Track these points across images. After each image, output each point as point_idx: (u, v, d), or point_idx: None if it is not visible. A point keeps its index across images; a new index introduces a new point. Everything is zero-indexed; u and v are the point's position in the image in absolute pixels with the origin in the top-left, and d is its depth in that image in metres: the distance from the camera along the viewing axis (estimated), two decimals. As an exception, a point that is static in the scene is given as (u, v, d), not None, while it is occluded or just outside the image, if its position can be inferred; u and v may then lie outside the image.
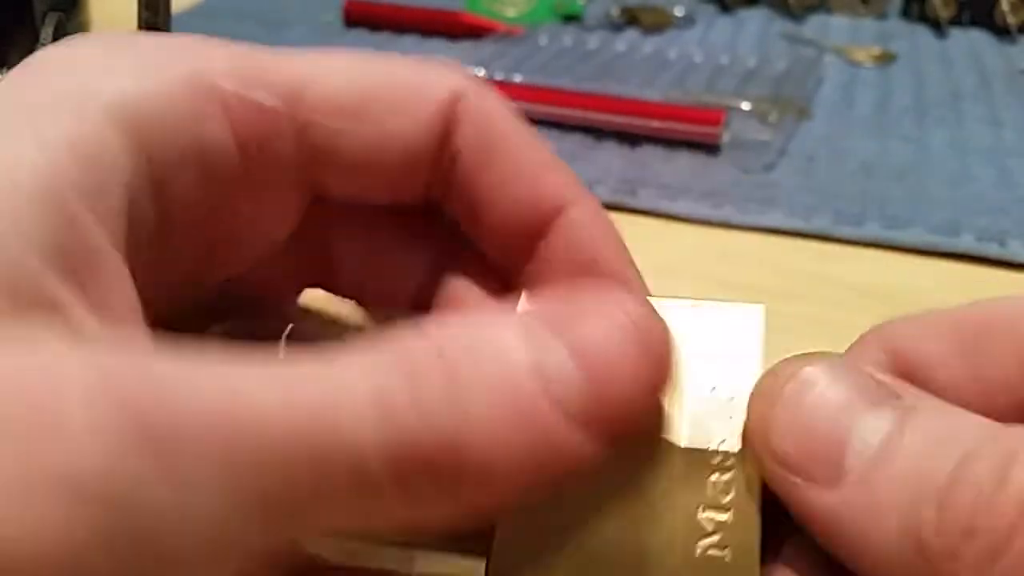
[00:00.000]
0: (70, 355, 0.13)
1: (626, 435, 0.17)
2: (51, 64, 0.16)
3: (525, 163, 0.22)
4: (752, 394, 0.19)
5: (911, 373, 0.19)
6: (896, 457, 0.16)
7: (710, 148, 0.55)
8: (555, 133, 0.56)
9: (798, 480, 0.17)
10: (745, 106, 0.59)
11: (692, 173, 0.53)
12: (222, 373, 0.14)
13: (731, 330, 0.20)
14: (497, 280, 0.24)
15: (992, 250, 0.46)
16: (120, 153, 0.16)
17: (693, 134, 0.55)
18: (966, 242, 0.47)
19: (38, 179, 0.14)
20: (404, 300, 0.24)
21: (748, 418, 0.18)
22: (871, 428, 0.16)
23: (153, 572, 0.13)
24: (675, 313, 0.19)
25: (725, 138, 0.55)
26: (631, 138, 0.56)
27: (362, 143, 0.21)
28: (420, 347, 0.16)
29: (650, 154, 0.55)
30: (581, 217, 0.22)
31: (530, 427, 0.16)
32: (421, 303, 0.24)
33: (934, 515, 0.15)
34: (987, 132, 0.59)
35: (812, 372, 0.17)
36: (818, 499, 0.16)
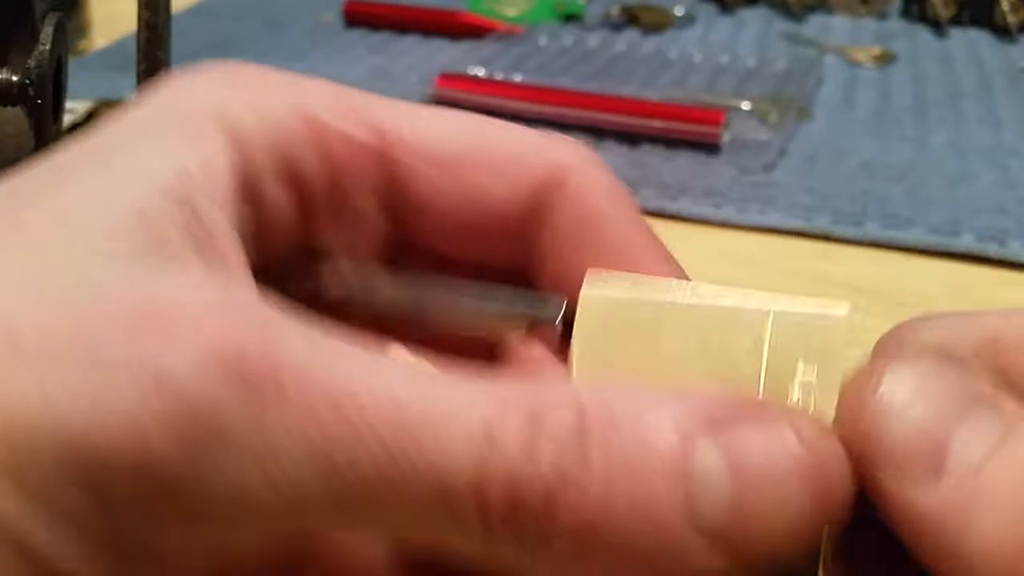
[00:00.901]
0: (199, 287, 0.15)
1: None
2: (181, 85, 0.20)
3: (624, 249, 0.21)
4: (841, 397, 0.17)
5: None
6: (1003, 462, 0.15)
7: (710, 148, 0.55)
8: (555, 133, 0.56)
9: (894, 479, 0.16)
10: (745, 106, 0.59)
11: (692, 173, 0.53)
12: (337, 351, 0.15)
13: (812, 332, 0.18)
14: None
15: (992, 250, 0.46)
16: (224, 159, 0.18)
17: (693, 134, 0.55)
18: (966, 242, 0.47)
19: (167, 176, 0.17)
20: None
21: (839, 417, 0.17)
22: (976, 432, 0.16)
23: (195, 495, 0.14)
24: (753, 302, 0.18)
25: (725, 138, 0.55)
26: (631, 138, 0.56)
27: (452, 196, 0.21)
28: (557, 396, 0.15)
29: (650, 154, 0.55)
30: None
31: (652, 521, 0.14)
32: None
33: None
34: (987, 132, 0.59)
35: (901, 382, 0.16)
36: (914, 499, 0.16)
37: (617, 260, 0.20)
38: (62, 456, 0.14)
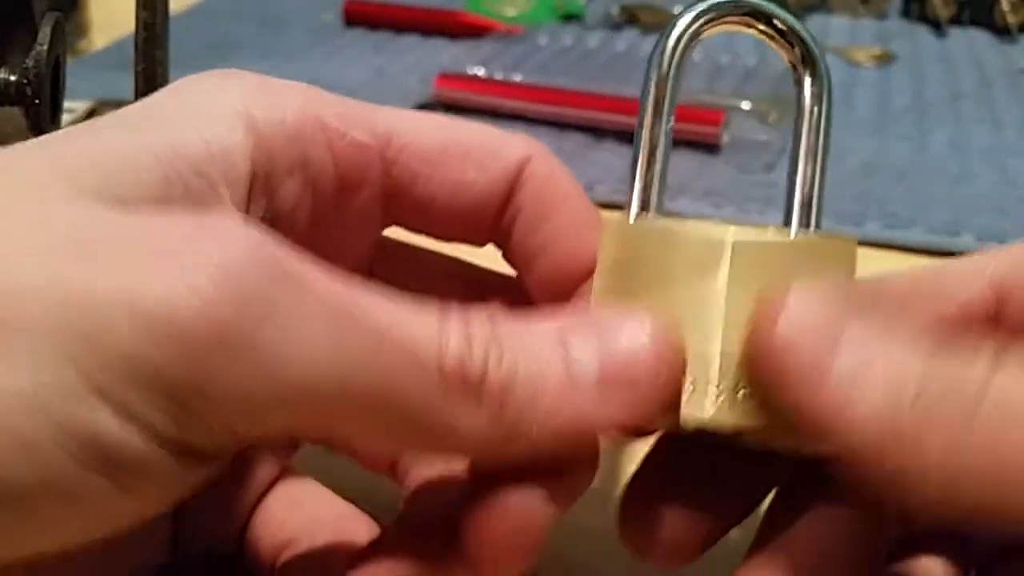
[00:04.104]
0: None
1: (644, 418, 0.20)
2: (202, 83, 0.22)
3: (577, 221, 0.25)
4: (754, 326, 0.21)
5: None
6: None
7: (710, 148, 0.55)
8: (555, 133, 0.56)
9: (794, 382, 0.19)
10: (745, 106, 0.59)
11: (692, 173, 0.53)
12: (335, 273, 0.19)
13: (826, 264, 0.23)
14: None
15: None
16: (245, 149, 0.21)
17: (693, 134, 0.55)
18: (966, 242, 0.47)
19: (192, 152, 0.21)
20: None
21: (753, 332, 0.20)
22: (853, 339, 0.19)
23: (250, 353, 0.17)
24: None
25: (725, 138, 0.55)
26: (631, 138, 0.56)
27: (438, 187, 0.25)
28: (476, 310, 0.20)
29: (650, 154, 0.55)
30: None
31: (543, 376, 0.20)
32: None
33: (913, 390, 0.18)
34: (987, 132, 0.59)
35: (796, 299, 0.20)
36: (806, 395, 0.19)
37: (576, 231, 0.25)
38: (141, 322, 0.16)
